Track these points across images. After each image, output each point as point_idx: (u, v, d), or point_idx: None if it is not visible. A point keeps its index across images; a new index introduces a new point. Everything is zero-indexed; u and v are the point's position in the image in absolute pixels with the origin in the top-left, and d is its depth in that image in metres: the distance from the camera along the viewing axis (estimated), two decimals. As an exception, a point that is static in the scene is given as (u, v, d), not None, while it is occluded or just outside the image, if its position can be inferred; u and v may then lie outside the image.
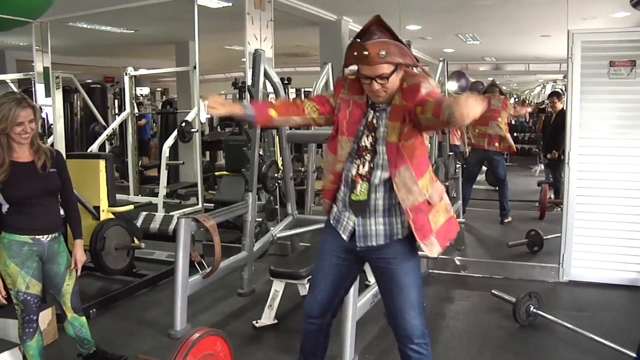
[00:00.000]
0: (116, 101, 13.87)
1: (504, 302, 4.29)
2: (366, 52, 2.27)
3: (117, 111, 13.18)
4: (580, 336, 3.77)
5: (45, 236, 3.10)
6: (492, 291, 4.38)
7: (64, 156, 3.33)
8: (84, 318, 3.43)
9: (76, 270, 3.28)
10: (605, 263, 5.02)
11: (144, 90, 19.59)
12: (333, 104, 2.61)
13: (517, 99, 22.57)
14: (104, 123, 9.78)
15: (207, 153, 11.20)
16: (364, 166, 2.50)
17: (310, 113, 2.62)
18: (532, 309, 4.08)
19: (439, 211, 2.52)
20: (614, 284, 4.94)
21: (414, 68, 2.46)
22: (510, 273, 5.30)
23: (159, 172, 10.55)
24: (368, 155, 2.49)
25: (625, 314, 4.41)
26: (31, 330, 3.15)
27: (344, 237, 2.59)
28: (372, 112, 2.50)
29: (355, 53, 2.32)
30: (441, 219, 2.54)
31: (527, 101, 21.72)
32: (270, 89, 5.47)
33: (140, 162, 10.03)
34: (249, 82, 5.58)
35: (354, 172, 2.52)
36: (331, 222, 2.68)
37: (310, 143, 6.26)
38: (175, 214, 6.05)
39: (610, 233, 4.97)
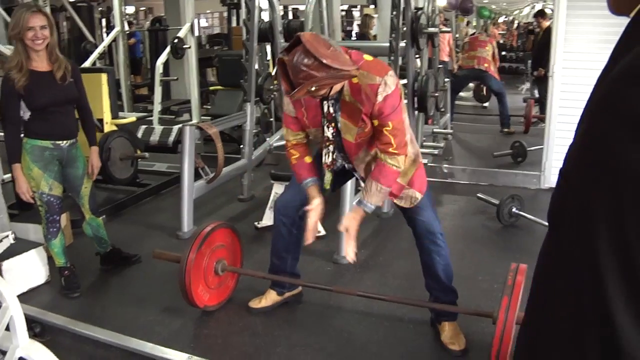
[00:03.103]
0: (103, 20, 13.74)
1: (488, 205, 4.61)
2: (295, 97, 2.28)
3: (105, 30, 13.11)
4: (557, 234, 4.08)
5: (65, 142, 3.32)
6: (478, 195, 4.69)
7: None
8: (100, 219, 3.70)
9: (93, 175, 3.52)
10: (584, 171, 5.32)
11: (129, 10, 19.24)
12: (295, 114, 2.63)
13: (506, 18, 22.48)
14: (94, 41, 9.77)
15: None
16: (328, 156, 2.61)
17: (303, 139, 2.70)
18: (514, 210, 4.40)
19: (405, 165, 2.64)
20: (592, 190, 5.25)
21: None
22: (495, 180, 5.61)
23: (149, 90, 10.66)
24: (331, 146, 2.58)
25: (599, 216, 4.74)
26: (55, 229, 3.42)
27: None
28: (325, 102, 2.49)
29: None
30: (410, 170, 2.63)
31: (515, 21, 21.68)
32: (264, 4, 5.59)
33: (132, 80, 10.09)
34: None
35: (323, 160, 2.65)
36: None
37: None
38: (175, 127, 6.23)
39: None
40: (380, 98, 2.32)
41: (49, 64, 3.22)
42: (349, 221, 2.61)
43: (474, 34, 8.80)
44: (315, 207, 2.67)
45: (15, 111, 3.15)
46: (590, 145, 0.59)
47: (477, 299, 3.25)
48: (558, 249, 0.64)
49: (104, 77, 4.97)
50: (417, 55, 5.39)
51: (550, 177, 5.41)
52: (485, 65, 7.71)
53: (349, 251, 2.59)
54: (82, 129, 3.50)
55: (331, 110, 2.48)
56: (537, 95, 9.07)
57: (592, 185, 0.57)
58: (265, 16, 5.80)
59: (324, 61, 2.13)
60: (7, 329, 2.59)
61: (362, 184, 2.75)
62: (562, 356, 0.61)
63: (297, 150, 2.71)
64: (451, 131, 6.77)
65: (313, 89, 2.20)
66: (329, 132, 2.55)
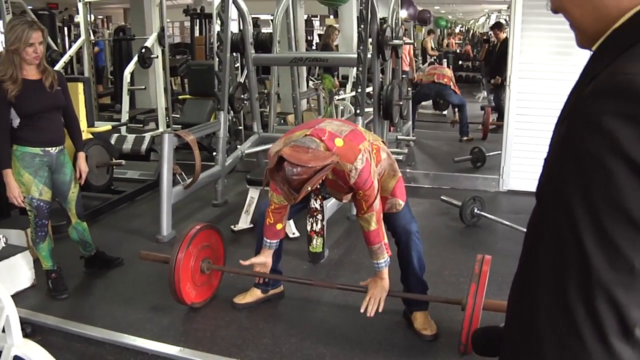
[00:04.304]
0: (65, 29, 13.70)
1: (451, 207, 4.90)
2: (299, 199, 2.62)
3: (67, 39, 13.08)
4: (517, 232, 4.39)
5: (54, 148, 3.47)
6: (441, 197, 4.98)
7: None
8: (85, 223, 3.84)
9: (80, 179, 3.67)
10: (539, 175, 5.66)
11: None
12: None
13: (462, 28, 23.09)
14: (58, 50, 9.79)
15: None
16: (316, 224, 2.93)
17: (285, 201, 2.96)
18: (476, 210, 4.70)
19: (386, 180, 2.98)
20: (546, 192, 5.61)
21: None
22: (457, 184, 5.93)
23: (112, 99, 10.70)
24: (319, 215, 2.92)
25: (554, 216, 5.08)
26: (43, 233, 3.56)
27: None
28: None
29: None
30: (391, 183, 2.99)
31: (471, 31, 22.27)
32: (234, 14, 5.80)
33: (96, 90, 10.12)
34: (211, 9, 5.85)
35: (308, 228, 2.96)
36: None
37: (274, 66, 6.62)
38: (147, 135, 6.36)
39: (544, 148, 5.49)
40: (352, 180, 2.67)
41: (38, 73, 3.37)
42: (374, 287, 2.90)
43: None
44: (259, 261, 3.09)
45: (5, 118, 3.28)
46: (563, 141, 0.85)
47: (444, 291, 3.51)
48: (543, 214, 0.89)
49: (80, 86, 5.09)
50: (381, 66, 5.67)
51: (508, 180, 5.75)
52: (445, 80, 8.07)
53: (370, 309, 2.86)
54: (69, 135, 3.65)
55: (317, 186, 2.80)
56: (493, 103, 9.52)
57: (566, 165, 0.83)
58: (231, 27, 5.99)
59: (309, 165, 2.45)
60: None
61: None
62: (547, 289, 0.85)
63: (274, 216, 3.03)
64: (414, 138, 7.09)
65: (309, 188, 2.54)
66: (316, 204, 2.90)
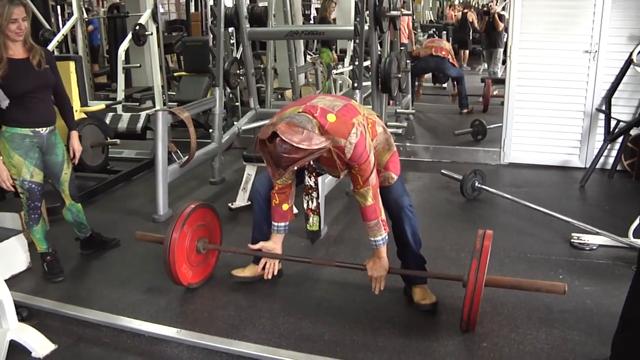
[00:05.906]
0: (59, 8, 13.50)
1: (452, 181, 4.83)
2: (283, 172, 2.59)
3: (60, 18, 12.89)
4: (518, 206, 4.36)
5: (44, 129, 3.38)
6: (442, 171, 4.91)
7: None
8: (79, 205, 3.77)
9: (74, 159, 3.60)
10: (541, 147, 5.62)
11: (82, -4, 18.75)
12: None
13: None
14: (51, 29, 9.64)
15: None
16: (312, 202, 2.92)
17: (287, 180, 2.96)
18: (476, 184, 4.64)
19: (381, 153, 2.92)
20: (548, 164, 5.57)
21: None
22: (457, 157, 5.86)
23: (108, 78, 10.58)
24: (314, 192, 2.90)
25: (555, 189, 5.04)
26: (36, 216, 3.49)
27: None
28: None
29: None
30: (385, 156, 2.95)
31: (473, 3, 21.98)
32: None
33: (92, 69, 9.99)
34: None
35: (304, 206, 2.95)
36: None
37: (270, 40, 6.51)
38: (143, 113, 6.26)
39: (545, 120, 5.53)
40: (348, 155, 2.63)
41: (25, 52, 3.27)
42: (373, 267, 2.91)
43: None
44: (269, 246, 3.09)
45: None
46: None
47: (445, 267, 3.46)
48: None
49: (72, 65, 5.01)
50: (379, 39, 5.56)
51: (509, 153, 5.68)
52: (443, 53, 8.00)
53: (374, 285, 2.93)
54: (61, 114, 3.56)
55: (312, 163, 2.78)
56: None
57: None
58: (225, 1, 5.87)
59: (300, 146, 2.43)
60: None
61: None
62: None
63: (279, 197, 3.02)
64: (413, 111, 7.00)
65: (296, 168, 2.56)
66: (311, 181, 2.87)
